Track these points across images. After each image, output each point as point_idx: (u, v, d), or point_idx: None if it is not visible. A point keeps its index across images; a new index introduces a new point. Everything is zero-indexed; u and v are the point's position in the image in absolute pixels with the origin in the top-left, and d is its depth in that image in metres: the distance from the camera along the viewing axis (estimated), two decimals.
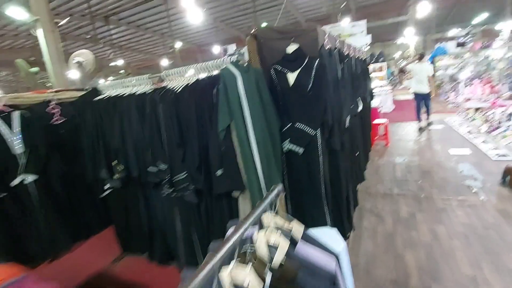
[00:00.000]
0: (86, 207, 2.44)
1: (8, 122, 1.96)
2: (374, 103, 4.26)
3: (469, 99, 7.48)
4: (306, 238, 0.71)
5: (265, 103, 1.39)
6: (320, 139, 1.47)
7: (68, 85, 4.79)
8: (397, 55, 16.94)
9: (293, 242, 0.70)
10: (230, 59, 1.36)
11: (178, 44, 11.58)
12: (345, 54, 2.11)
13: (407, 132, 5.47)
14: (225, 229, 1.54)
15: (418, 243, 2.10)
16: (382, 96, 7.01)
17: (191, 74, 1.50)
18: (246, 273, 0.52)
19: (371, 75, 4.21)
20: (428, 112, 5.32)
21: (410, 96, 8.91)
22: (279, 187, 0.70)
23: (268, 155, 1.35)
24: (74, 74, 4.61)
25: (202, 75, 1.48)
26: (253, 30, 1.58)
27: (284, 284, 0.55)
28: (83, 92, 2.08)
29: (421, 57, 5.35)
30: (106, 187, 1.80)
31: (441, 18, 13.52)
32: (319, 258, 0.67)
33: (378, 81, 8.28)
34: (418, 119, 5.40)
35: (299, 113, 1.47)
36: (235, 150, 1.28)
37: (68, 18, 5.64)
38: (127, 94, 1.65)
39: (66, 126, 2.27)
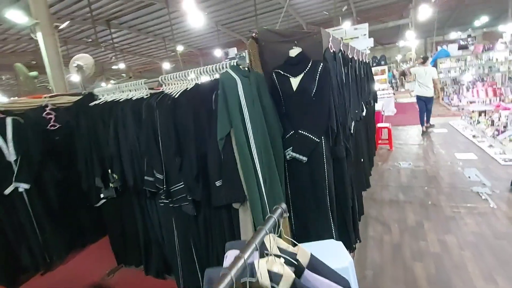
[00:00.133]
0: (82, 215, 2.37)
1: (3, 128, 1.90)
2: (377, 106, 4.19)
3: (472, 102, 7.41)
4: (313, 264, 0.63)
5: (266, 109, 1.32)
6: (325, 147, 1.40)
7: (69, 89, 4.75)
8: (398, 58, 16.92)
9: (298, 269, 0.62)
10: (229, 63, 1.29)
11: (179, 48, 11.62)
12: (350, 57, 2.05)
13: (410, 136, 5.38)
14: (225, 242, 1.46)
15: (427, 254, 2.00)
16: (384, 99, 6.95)
17: (190, 78, 1.44)
18: None
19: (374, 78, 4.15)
20: (428, 116, 5.25)
21: (412, 99, 8.85)
22: (283, 205, 0.63)
23: (270, 165, 1.27)
24: (75, 77, 4.58)
25: (202, 79, 1.42)
26: (254, 32, 1.51)
27: None
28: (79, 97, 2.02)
29: (424, 60, 5.28)
30: (101, 196, 1.73)
31: (442, 21, 13.50)
32: None
33: (380, 84, 8.22)
34: (422, 123, 5.32)
35: (303, 119, 1.39)
36: (235, 159, 1.21)
37: (68, 22, 5.63)
38: (123, 99, 1.59)
39: (61, 132, 2.20)
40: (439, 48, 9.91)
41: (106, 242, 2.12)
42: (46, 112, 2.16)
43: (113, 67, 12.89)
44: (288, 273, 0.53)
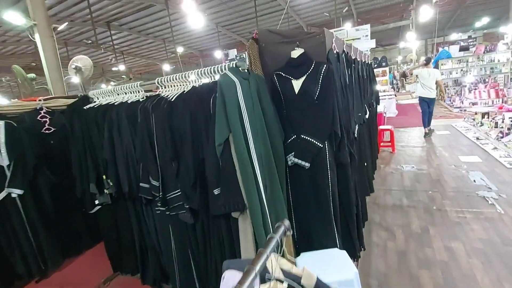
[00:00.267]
0: (78, 221, 2.31)
1: None
2: (378, 108, 4.13)
3: (474, 104, 7.34)
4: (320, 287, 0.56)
5: (267, 113, 1.26)
6: (328, 153, 1.34)
7: (69, 91, 4.71)
8: (398, 59, 16.89)
9: None
10: (228, 64, 1.24)
11: (179, 49, 11.60)
12: (353, 58, 1.99)
13: (412, 137, 5.32)
14: (224, 251, 1.40)
15: (434, 262, 1.93)
16: (386, 100, 6.89)
17: (188, 80, 1.38)
18: None
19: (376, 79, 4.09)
20: (430, 118, 5.19)
21: (413, 101, 8.78)
22: (285, 223, 0.57)
23: (271, 171, 1.21)
24: (74, 79, 4.54)
25: (200, 82, 1.36)
26: (254, 33, 1.46)
27: None
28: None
29: (428, 62, 5.23)
30: (96, 202, 1.67)
31: (443, 22, 13.48)
32: None
33: (381, 86, 8.17)
34: (424, 124, 5.25)
35: (305, 123, 1.33)
36: (234, 166, 1.15)
37: (67, 23, 5.59)
38: (118, 102, 1.53)
39: (56, 136, 2.15)
40: (440, 49, 9.87)
41: (102, 248, 2.06)
42: (40, 115, 2.11)
43: (113, 68, 12.87)
44: None
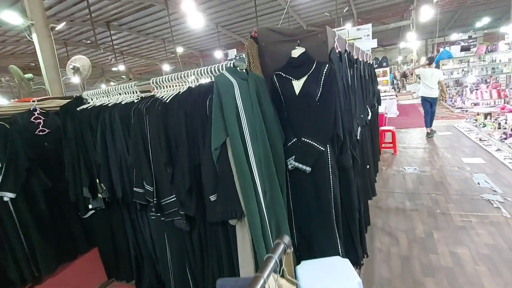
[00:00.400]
0: (73, 225, 2.25)
1: None
2: (380, 108, 4.07)
3: (476, 104, 7.28)
4: None
5: (267, 115, 1.20)
6: (330, 156, 1.28)
7: (68, 91, 4.66)
8: (399, 59, 16.84)
9: None
10: (226, 64, 1.18)
11: (179, 50, 11.55)
12: (355, 58, 1.93)
13: (414, 138, 5.26)
14: (220, 258, 1.34)
15: (439, 269, 1.87)
16: (387, 101, 6.83)
17: (185, 80, 1.32)
18: None
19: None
20: (432, 118, 5.15)
21: (413, 101, 8.71)
22: (285, 240, 0.51)
23: (271, 176, 1.15)
24: (73, 79, 4.50)
25: (198, 82, 1.30)
26: (254, 32, 1.40)
27: None
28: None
29: (430, 62, 5.19)
30: (89, 207, 1.61)
31: (443, 22, 13.43)
32: None
33: (382, 86, 8.11)
34: (427, 124, 5.20)
35: (306, 126, 1.28)
36: (231, 171, 1.09)
37: (64, 23, 5.55)
38: (112, 103, 1.48)
39: (50, 138, 2.10)
40: (440, 49, 9.81)
41: (97, 253, 2.00)
42: (34, 117, 2.06)
43: (113, 69, 12.84)
44: None
